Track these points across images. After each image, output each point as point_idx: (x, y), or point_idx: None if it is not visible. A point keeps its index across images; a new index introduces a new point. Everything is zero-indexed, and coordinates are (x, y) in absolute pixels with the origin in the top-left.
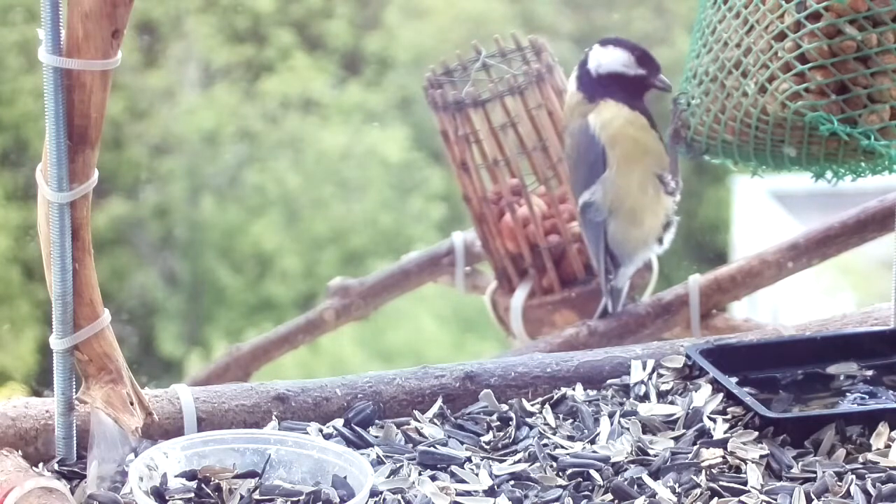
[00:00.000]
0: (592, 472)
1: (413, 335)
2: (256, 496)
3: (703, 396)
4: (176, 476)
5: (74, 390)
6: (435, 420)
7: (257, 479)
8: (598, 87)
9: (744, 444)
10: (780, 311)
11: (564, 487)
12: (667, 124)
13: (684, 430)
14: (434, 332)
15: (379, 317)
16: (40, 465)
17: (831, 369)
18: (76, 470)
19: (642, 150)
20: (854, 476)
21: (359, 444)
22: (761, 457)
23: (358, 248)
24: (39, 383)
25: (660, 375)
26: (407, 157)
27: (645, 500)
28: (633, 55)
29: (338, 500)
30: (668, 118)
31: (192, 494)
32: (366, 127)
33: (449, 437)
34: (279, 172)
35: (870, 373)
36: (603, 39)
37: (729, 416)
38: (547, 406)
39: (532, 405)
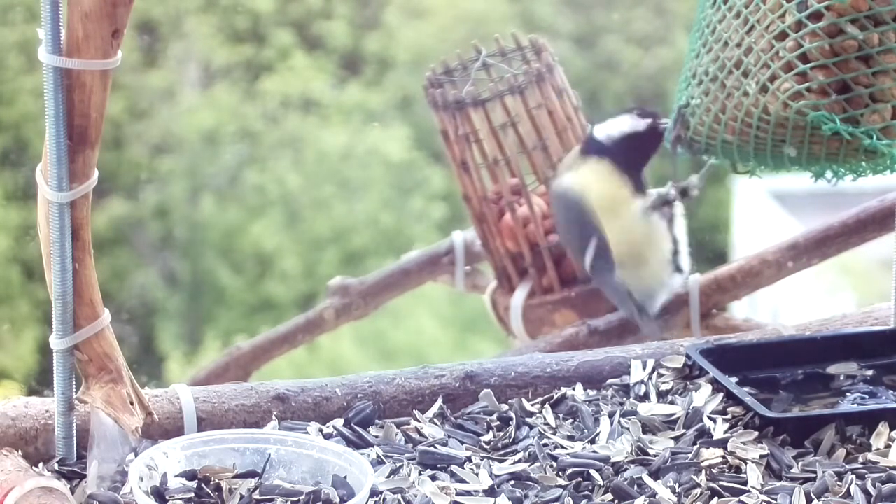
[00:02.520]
0: (592, 472)
1: (413, 335)
2: (256, 496)
3: (703, 396)
4: (176, 476)
5: (74, 390)
6: (435, 420)
7: (257, 479)
8: (594, 146)
9: (744, 444)
10: (780, 311)
11: (564, 487)
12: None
13: (684, 430)
14: (434, 332)
15: (379, 316)
16: (40, 465)
17: (831, 369)
18: (76, 470)
19: (613, 199)
20: (854, 476)
21: (359, 444)
22: (761, 457)
23: (358, 248)
24: (39, 383)
25: (660, 375)
26: (407, 157)
27: (645, 500)
28: (643, 118)
29: (338, 500)
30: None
31: (192, 494)
32: (366, 127)
33: (449, 436)
34: (279, 172)
35: (870, 373)
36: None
37: (729, 416)
38: (547, 406)
39: (532, 405)
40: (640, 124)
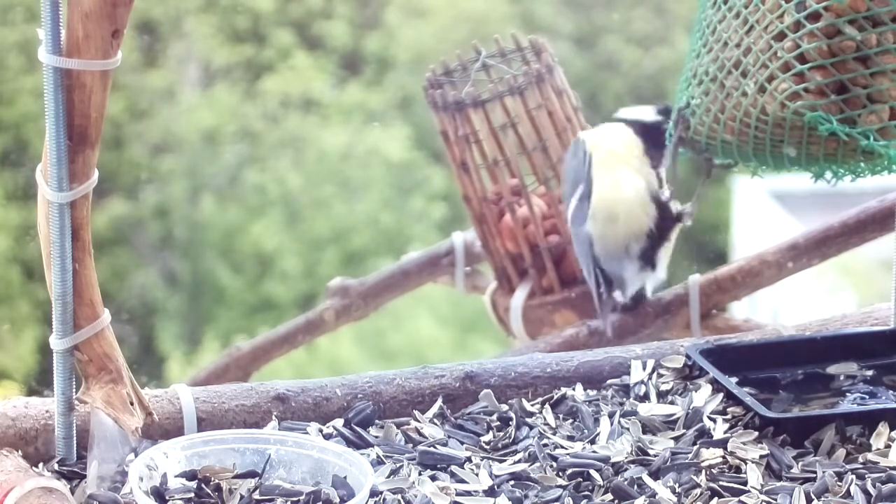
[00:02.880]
0: (592, 472)
1: (413, 335)
2: (256, 496)
3: (703, 396)
4: (176, 476)
5: (74, 390)
6: (435, 420)
7: (257, 479)
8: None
9: (744, 444)
10: (780, 311)
11: (564, 487)
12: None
13: (684, 430)
14: (434, 332)
15: (378, 317)
16: (40, 465)
17: (831, 369)
18: (76, 470)
19: (618, 157)
20: (854, 476)
21: (359, 444)
22: (761, 457)
23: (358, 248)
24: (39, 383)
25: (660, 375)
26: (407, 157)
27: (645, 500)
28: (655, 106)
29: (338, 500)
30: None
31: (192, 494)
32: (366, 127)
33: (449, 437)
34: (279, 172)
35: (870, 373)
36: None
37: (729, 416)
38: (547, 406)
39: (532, 405)
40: (650, 116)
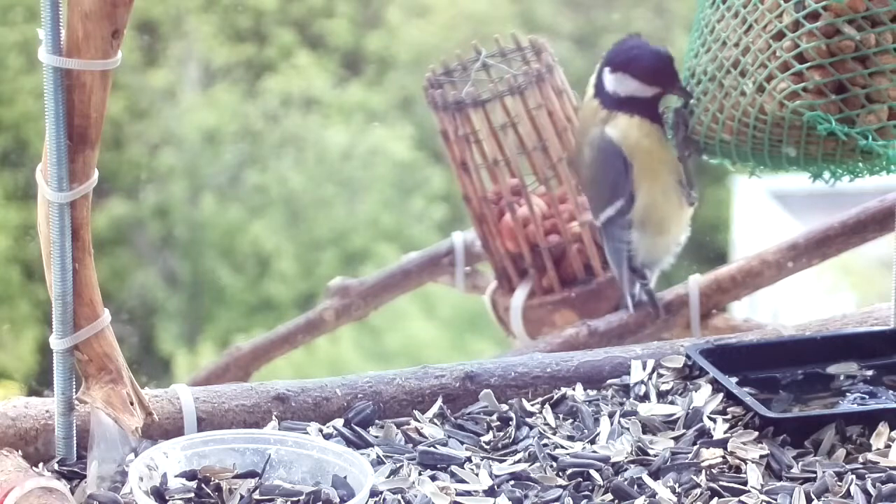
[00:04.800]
0: (592, 472)
1: (412, 335)
2: (256, 496)
3: (703, 396)
4: (176, 476)
5: (74, 390)
6: (435, 420)
7: (257, 479)
8: (614, 100)
9: (744, 444)
10: (780, 311)
11: (564, 487)
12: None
13: (684, 430)
14: (434, 332)
15: (378, 317)
16: (40, 465)
17: (831, 369)
18: (76, 470)
19: (660, 160)
20: (854, 476)
21: (359, 444)
22: (761, 457)
23: (358, 248)
24: (39, 383)
25: (660, 375)
26: (409, 157)
27: (645, 500)
28: (644, 82)
29: (338, 500)
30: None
31: (192, 494)
32: (367, 126)
33: (449, 437)
34: (280, 172)
35: (870, 373)
36: (612, 63)
37: (729, 416)
38: (547, 406)
39: (532, 405)
40: (648, 92)
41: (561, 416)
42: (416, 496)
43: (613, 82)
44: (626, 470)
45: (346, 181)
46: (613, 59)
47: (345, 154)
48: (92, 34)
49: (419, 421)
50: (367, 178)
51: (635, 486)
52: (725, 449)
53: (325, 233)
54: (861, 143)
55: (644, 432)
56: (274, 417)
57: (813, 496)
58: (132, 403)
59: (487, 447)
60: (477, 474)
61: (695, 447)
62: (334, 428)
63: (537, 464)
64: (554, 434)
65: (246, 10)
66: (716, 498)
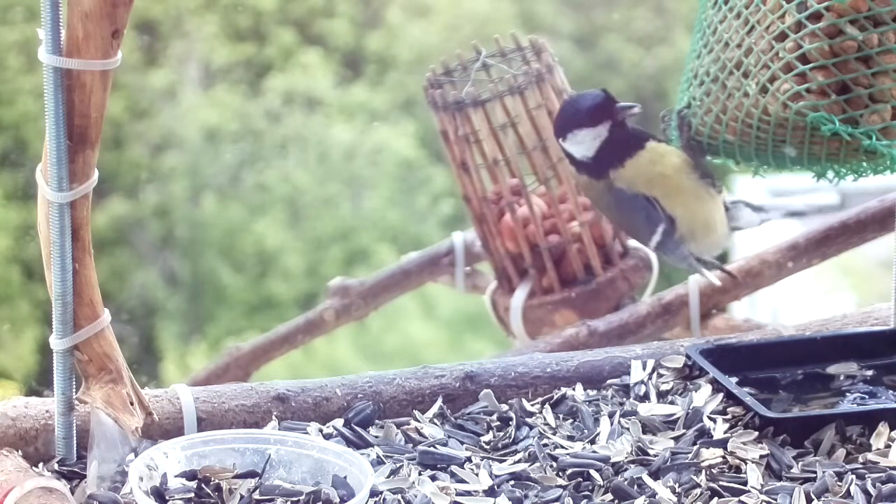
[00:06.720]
0: (592, 472)
1: (412, 335)
2: (256, 496)
3: (703, 396)
4: (176, 476)
5: (74, 390)
6: (435, 420)
7: (257, 479)
8: (592, 164)
9: (744, 444)
10: (780, 311)
11: (564, 487)
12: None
13: (684, 430)
14: (433, 333)
15: (377, 317)
16: (40, 465)
17: (831, 369)
18: (76, 470)
19: (676, 171)
20: (854, 476)
21: (359, 444)
22: (761, 457)
23: (362, 247)
24: (39, 383)
25: (660, 375)
26: (412, 156)
27: (645, 500)
28: (591, 125)
29: (338, 500)
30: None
31: (192, 494)
32: (369, 126)
33: (449, 437)
34: (281, 171)
35: (870, 373)
36: (558, 133)
37: (729, 416)
38: (547, 406)
39: (532, 405)
40: (603, 130)
41: (561, 416)
42: (416, 496)
43: (574, 147)
44: (626, 470)
45: (349, 179)
46: (557, 130)
47: (348, 152)
48: (92, 34)
49: (419, 421)
50: (371, 176)
51: (635, 486)
52: (725, 449)
53: (328, 231)
54: (865, 143)
55: (644, 432)
56: (274, 417)
57: (813, 496)
58: (132, 403)
59: (487, 447)
60: (477, 474)
61: (695, 447)
62: (334, 428)
63: (537, 464)
64: (554, 434)
65: (246, 10)
66: (716, 498)
